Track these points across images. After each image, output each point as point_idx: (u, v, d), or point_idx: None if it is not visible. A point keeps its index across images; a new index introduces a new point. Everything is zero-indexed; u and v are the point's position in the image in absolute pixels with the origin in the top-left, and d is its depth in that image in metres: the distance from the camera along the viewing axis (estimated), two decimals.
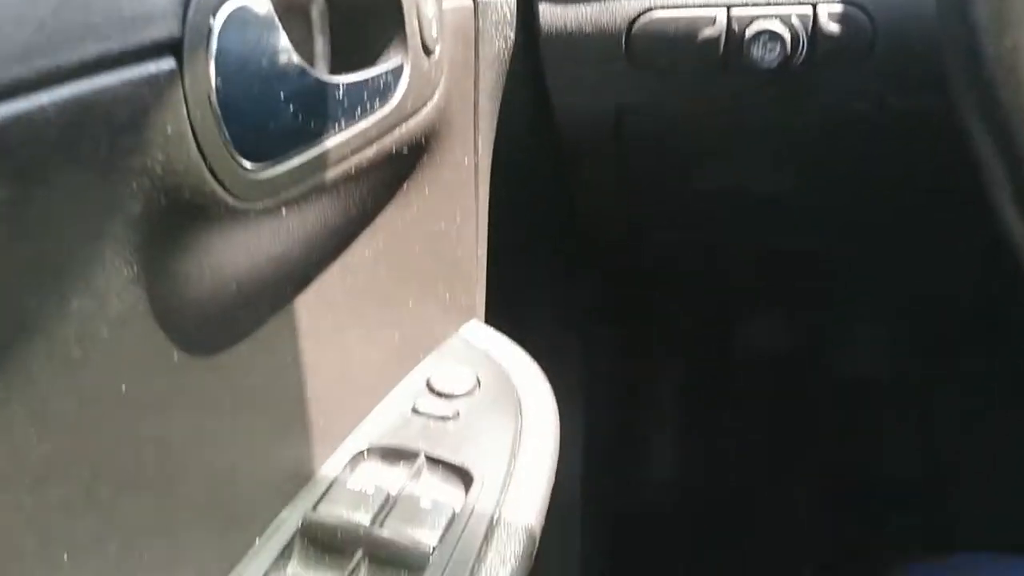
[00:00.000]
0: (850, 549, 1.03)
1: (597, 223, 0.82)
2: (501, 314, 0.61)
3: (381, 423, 0.49)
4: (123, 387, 0.31)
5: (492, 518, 0.44)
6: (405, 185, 0.48)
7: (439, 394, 0.52)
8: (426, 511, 0.43)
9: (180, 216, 0.31)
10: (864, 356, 1.07)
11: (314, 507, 0.43)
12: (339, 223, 0.41)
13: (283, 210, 0.36)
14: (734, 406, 1.13)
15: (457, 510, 0.44)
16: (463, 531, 0.43)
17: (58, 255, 0.27)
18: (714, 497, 1.08)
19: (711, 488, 1.09)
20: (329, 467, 0.46)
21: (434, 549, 0.41)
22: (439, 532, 0.42)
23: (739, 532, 1.08)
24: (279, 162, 0.34)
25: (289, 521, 0.42)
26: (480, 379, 0.54)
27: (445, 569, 0.41)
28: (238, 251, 0.35)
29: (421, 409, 0.50)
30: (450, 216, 0.52)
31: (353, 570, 0.40)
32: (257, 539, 0.41)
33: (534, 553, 0.45)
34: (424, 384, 0.53)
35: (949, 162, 0.47)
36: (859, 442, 1.08)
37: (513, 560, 0.42)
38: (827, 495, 1.08)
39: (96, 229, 0.28)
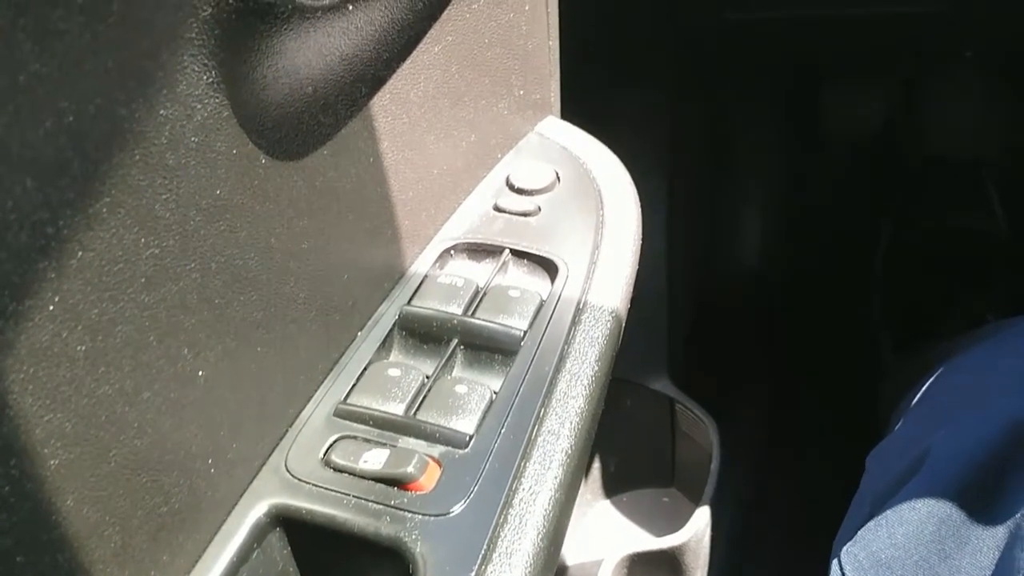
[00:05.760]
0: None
1: None
2: (577, 110, 0.60)
3: (465, 221, 0.50)
4: (218, 191, 0.32)
5: (579, 303, 0.45)
6: None
7: (519, 191, 0.52)
8: (515, 300, 0.45)
9: (250, 17, 0.31)
10: None
11: (409, 301, 0.45)
12: (407, 18, 0.40)
13: (350, 6, 0.35)
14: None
15: (544, 298, 0.46)
16: (551, 316, 0.44)
17: (139, 61, 0.28)
18: (799, 267, 1.09)
19: (793, 266, 1.09)
20: (420, 264, 0.47)
21: (525, 333, 0.43)
22: (528, 318, 0.44)
23: (818, 314, 1.08)
24: None
25: (387, 315, 0.44)
26: (559, 174, 0.54)
27: (536, 351, 0.43)
28: (310, 52, 0.35)
29: (503, 206, 0.51)
30: (518, 5, 0.51)
31: (450, 356, 0.43)
32: (359, 332, 0.43)
33: (620, 335, 0.46)
34: (504, 182, 0.53)
35: None
36: None
37: (601, 341, 0.44)
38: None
39: (171, 33, 0.29)
